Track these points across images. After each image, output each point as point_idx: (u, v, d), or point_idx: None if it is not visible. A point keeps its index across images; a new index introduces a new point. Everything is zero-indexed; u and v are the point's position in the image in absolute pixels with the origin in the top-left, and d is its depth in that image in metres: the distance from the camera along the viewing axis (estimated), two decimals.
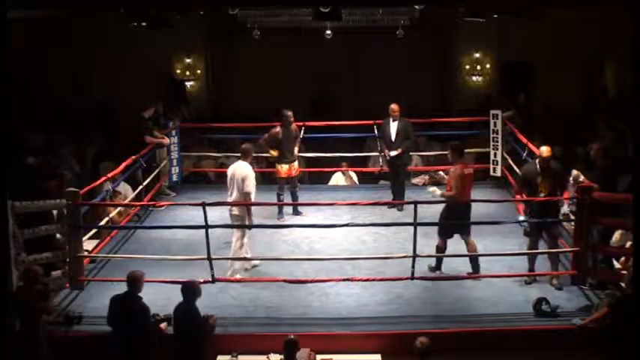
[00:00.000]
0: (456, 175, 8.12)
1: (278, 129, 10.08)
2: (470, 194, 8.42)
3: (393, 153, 10.52)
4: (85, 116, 16.03)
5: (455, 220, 8.26)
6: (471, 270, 8.21)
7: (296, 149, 10.35)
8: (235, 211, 8.38)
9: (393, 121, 10.57)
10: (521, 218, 8.62)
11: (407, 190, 11.11)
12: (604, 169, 8.23)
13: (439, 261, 8.42)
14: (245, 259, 8.48)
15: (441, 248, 8.39)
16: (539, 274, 8.06)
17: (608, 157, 8.34)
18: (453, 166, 8.29)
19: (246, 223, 8.27)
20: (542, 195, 7.93)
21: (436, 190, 8.28)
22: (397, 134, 10.54)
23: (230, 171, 8.50)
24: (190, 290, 6.64)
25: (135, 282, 6.66)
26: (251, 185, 8.25)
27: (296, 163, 10.35)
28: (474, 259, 8.23)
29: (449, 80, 17.59)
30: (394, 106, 10.61)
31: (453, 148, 8.37)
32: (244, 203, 8.23)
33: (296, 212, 10.32)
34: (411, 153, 11.37)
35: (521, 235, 9.20)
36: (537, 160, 8.14)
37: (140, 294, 6.67)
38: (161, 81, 16.59)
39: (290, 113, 10.26)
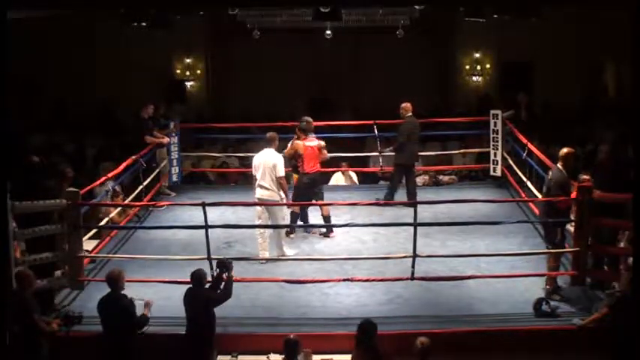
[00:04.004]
0: (300, 146, 9.43)
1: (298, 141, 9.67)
2: (317, 165, 9.54)
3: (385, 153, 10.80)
4: (85, 116, 16.04)
5: (307, 189, 9.41)
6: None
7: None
8: (267, 195, 8.73)
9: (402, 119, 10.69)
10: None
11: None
12: None
13: (293, 223, 9.48)
14: (247, 259, 8.56)
15: (296, 214, 9.55)
16: (539, 274, 8.03)
17: None
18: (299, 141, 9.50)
19: (283, 202, 8.82)
20: None
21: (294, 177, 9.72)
22: (397, 133, 10.69)
23: (257, 160, 8.92)
24: (198, 277, 6.77)
25: (115, 281, 6.67)
26: (282, 170, 8.77)
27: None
28: (327, 220, 9.53)
29: (449, 80, 17.59)
30: (402, 105, 10.73)
31: (300, 127, 9.58)
32: (235, 203, 8.25)
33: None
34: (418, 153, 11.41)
35: (520, 235, 9.26)
36: (560, 165, 7.86)
37: (124, 292, 6.70)
38: (161, 81, 16.60)
39: (311, 120, 9.92)
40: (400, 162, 10.75)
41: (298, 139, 9.61)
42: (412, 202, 7.98)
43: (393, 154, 10.85)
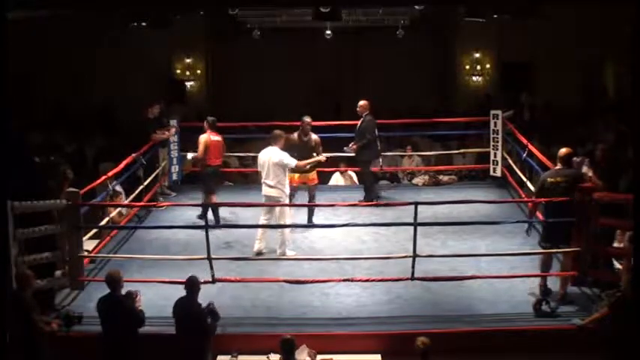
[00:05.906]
0: (203, 140, 9.93)
1: (295, 135, 9.87)
2: (218, 159, 10.09)
3: (345, 149, 10.80)
4: (85, 116, 16.05)
5: (204, 179, 10.00)
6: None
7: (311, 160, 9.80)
8: (272, 193, 8.83)
9: (359, 117, 10.70)
10: None
11: (408, 191, 11.16)
12: None
13: (204, 212, 9.42)
14: (246, 259, 8.58)
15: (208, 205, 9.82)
16: (540, 274, 8.02)
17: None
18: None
19: (286, 200, 8.95)
20: None
21: (188, 155, 10.43)
22: (357, 131, 10.67)
23: (262, 157, 8.97)
24: (192, 285, 6.71)
25: (115, 281, 6.66)
26: (288, 159, 8.86)
27: (311, 174, 9.90)
28: (214, 211, 9.87)
29: (449, 80, 17.60)
30: (360, 103, 10.73)
31: (208, 121, 10.14)
32: (235, 204, 8.26)
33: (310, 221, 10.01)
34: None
35: (520, 235, 9.25)
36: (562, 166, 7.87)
37: (122, 292, 6.68)
38: (161, 81, 16.60)
39: (308, 120, 9.99)
40: (368, 159, 10.85)
41: (204, 132, 10.07)
42: (413, 202, 7.94)
43: (353, 154, 10.85)
